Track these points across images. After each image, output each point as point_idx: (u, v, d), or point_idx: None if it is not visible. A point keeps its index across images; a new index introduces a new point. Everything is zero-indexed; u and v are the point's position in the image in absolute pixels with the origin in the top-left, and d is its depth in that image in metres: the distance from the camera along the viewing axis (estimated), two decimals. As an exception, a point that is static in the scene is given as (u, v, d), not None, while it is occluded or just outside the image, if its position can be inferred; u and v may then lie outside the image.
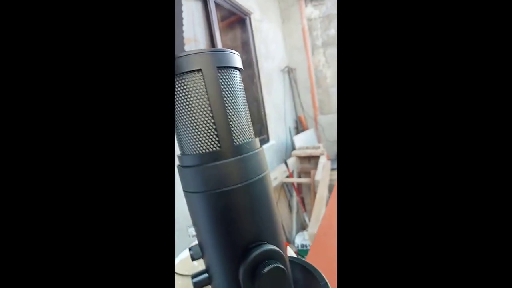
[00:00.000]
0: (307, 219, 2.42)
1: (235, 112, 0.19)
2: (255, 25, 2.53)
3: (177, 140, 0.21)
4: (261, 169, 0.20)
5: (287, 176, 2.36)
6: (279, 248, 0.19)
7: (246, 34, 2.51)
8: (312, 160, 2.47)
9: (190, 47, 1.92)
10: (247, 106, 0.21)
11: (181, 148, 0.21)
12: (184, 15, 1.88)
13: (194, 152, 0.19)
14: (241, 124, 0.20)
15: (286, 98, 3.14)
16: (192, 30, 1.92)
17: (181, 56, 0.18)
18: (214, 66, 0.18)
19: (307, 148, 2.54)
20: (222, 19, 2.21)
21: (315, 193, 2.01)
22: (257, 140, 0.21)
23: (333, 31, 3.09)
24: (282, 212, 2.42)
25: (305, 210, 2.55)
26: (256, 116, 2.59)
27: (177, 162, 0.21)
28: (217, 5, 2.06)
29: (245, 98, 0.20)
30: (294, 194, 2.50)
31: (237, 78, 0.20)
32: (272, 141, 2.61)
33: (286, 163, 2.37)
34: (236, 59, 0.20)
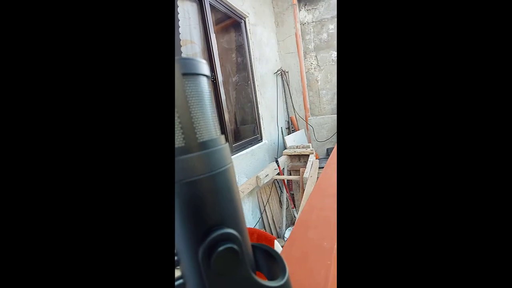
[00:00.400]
0: (296, 215, 2.54)
1: (200, 114, 0.21)
2: (250, 29, 2.63)
3: None
4: (224, 162, 0.21)
5: (278, 174, 2.47)
6: (239, 234, 0.20)
7: (241, 37, 2.60)
8: (302, 158, 2.59)
9: (187, 49, 2.00)
10: (213, 108, 0.23)
11: None
12: (180, 17, 1.94)
13: (181, 144, 0.20)
14: (206, 123, 0.22)
15: (279, 99, 3.25)
16: (188, 32, 2.00)
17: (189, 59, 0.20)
18: (180, 73, 0.20)
19: (297, 147, 2.66)
20: (218, 22, 2.29)
21: (303, 190, 2.13)
22: (222, 137, 0.23)
23: (325, 35, 3.22)
24: (273, 208, 2.52)
25: (294, 206, 2.66)
26: (250, 116, 2.69)
27: None
28: (212, 7, 2.15)
29: (210, 101, 0.23)
30: (285, 190, 2.61)
31: (202, 84, 0.22)
32: (264, 140, 2.72)
33: (277, 161, 2.49)
34: (202, 67, 0.22)
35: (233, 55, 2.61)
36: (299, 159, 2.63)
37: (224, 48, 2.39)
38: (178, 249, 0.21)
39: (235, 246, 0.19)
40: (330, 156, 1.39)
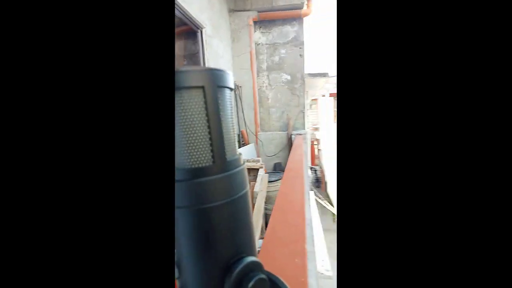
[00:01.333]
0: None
1: (227, 129, 0.20)
2: (206, 40, 2.62)
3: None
4: (244, 185, 0.20)
5: (227, 188, 2.41)
6: (255, 256, 0.19)
7: (196, 46, 2.56)
8: (252, 172, 2.63)
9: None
10: (234, 124, 0.22)
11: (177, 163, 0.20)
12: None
13: (186, 166, 0.19)
14: (230, 140, 0.20)
15: (231, 112, 3.26)
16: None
17: (183, 72, 0.19)
18: (215, 85, 0.19)
19: (247, 161, 2.69)
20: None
21: (253, 204, 2.14)
22: (241, 156, 0.21)
23: (277, 58, 3.45)
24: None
25: (242, 221, 2.63)
26: (201, 126, 2.58)
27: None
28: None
29: (233, 116, 0.21)
30: (233, 205, 2.56)
31: (230, 97, 0.21)
32: (214, 153, 2.63)
33: (227, 175, 2.43)
34: (231, 79, 0.21)
35: (184, 62, 2.52)
36: (249, 173, 2.66)
37: (176, 54, 2.28)
38: (188, 284, 0.19)
39: (263, 276, 0.18)
40: (284, 172, 1.43)
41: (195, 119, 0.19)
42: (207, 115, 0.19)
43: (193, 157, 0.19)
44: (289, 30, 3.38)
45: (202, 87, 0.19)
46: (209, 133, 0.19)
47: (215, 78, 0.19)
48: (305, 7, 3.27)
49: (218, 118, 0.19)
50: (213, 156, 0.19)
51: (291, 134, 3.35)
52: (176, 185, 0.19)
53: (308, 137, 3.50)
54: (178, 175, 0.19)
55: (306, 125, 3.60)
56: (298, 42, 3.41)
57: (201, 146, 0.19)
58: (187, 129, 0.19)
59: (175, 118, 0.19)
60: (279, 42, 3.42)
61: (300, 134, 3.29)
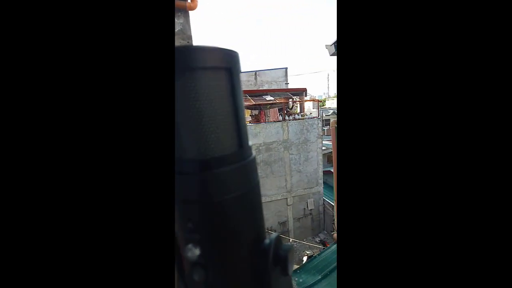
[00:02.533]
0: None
1: (244, 114, 0.20)
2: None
3: (177, 144, 0.19)
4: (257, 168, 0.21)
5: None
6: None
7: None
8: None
9: None
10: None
11: (184, 152, 0.19)
12: None
13: (211, 155, 0.18)
14: (246, 125, 0.20)
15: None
16: None
17: (207, 49, 0.18)
18: (239, 67, 0.19)
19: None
20: None
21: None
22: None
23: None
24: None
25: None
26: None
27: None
28: None
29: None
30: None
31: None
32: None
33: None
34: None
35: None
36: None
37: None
38: (221, 274, 0.20)
39: (290, 244, 0.22)
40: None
41: (222, 102, 0.19)
42: (233, 99, 0.19)
43: (220, 144, 0.19)
44: (175, 21, 3.07)
45: (230, 69, 0.19)
46: (236, 117, 0.19)
47: (237, 60, 0.19)
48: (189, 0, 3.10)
49: (242, 102, 0.20)
50: (239, 142, 0.19)
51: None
52: (195, 176, 0.19)
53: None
54: (198, 166, 0.19)
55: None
56: (185, 36, 3.15)
57: (228, 132, 0.19)
58: (212, 114, 0.18)
59: (202, 101, 0.18)
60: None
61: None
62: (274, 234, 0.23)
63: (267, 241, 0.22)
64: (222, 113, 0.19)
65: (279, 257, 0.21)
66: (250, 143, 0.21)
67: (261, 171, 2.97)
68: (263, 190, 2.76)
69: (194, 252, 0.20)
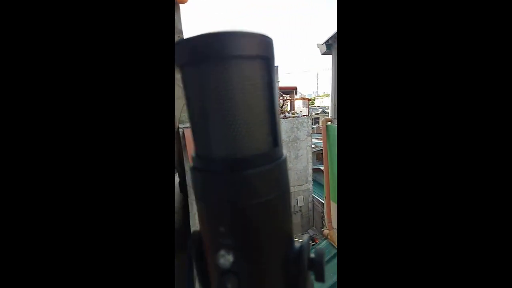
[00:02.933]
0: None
1: (278, 109, 0.19)
2: None
3: (201, 141, 0.19)
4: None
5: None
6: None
7: None
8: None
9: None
10: None
11: (210, 150, 0.18)
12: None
13: (247, 153, 0.17)
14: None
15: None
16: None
17: (241, 35, 0.16)
18: (274, 55, 0.18)
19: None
20: None
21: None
22: None
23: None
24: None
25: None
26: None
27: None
28: None
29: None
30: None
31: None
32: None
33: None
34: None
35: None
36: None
37: None
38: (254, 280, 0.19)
39: (320, 247, 0.27)
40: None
41: (257, 95, 0.17)
42: (269, 91, 0.18)
43: (256, 142, 0.18)
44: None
45: (267, 58, 0.17)
46: (271, 112, 0.18)
47: (273, 47, 0.18)
48: (180, -7, 3.00)
49: (277, 95, 0.18)
50: (274, 140, 0.18)
51: (178, 128, 2.92)
52: (227, 177, 0.17)
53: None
54: (230, 166, 0.17)
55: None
56: (177, 30, 3.07)
57: (263, 129, 0.18)
58: (246, 108, 0.17)
59: (226, 93, 0.17)
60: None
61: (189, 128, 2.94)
62: (305, 238, 0.22)
63: (298, 245, 0.22)
64: (257, 108, 0.17)
65: (314, 262, 0.20)
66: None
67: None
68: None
69: (227, 258, 0.18)
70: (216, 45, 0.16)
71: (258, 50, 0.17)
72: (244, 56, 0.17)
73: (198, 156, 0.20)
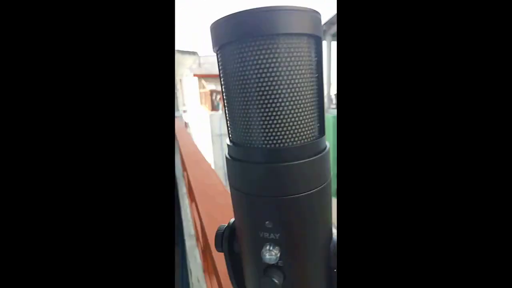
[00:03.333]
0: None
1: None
2: None
3: (240, 128, 0.18)
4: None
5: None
6: None
7: None
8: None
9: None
10: None
11: (252, 138, 0.17)
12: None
13: (294, 143, 0.16)
14: None
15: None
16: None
17: (289, 10, 0.15)
18: (321, 33, 0.17)
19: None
20: None
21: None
22: None
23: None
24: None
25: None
26: None
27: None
28: None
29: None
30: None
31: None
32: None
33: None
34: None
35: None
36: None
37: None
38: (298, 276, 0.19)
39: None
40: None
41: (306, 78, 0.16)
42: (318, 74, 0.17)
43: (302, 130, 0.17)
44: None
45: (316, 37, 0.16)
46: (318, 98, 0.17)
47: (321, 25, 0.17)
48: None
49: (322, 79, 0.17)
50: (320, 129, 0.18)
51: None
52: (270, 169, 0.17)
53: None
54: (273, 157, 0.17)
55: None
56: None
57: (311, 116, 0.17)
58: (293, 93, 0.16)
59: (272, 76, 0.15)
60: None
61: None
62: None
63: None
64: (305, 92, 0.16)
65: None
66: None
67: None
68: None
69: (273, 252, 0.18)
70: (262, 22, 0.15)
71: (308, 28, 0.16)
72: (293, 34, 0.15)
73: (235, 145, 0.19)
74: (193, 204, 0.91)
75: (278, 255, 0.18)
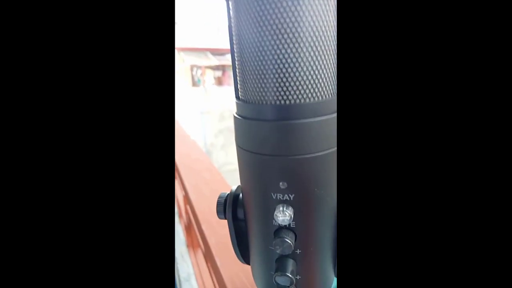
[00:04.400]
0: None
1: None
2: None
3: (250, 84, 0.16)
4: None
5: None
6: None
7: None
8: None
9: None
10: None
11: (264, 95, 0.16)
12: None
13: (314, 98, 0.15)
14: None
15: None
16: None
17: None
18: None
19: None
20: None
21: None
22: None
23: None
24: None
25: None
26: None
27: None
28: None
29: None
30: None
31: None
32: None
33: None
34: None
35: None
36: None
37: None
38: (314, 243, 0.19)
39: None
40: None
41: (328, 36, 0.15)
42: (333, 27, 0.15)
43: (318, 87, 0.15)
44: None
45: None
46: (333, 50, 0.16)
47: None
48: None
49: (334, 29, 0.15)
50: (335, 88, 0.16)
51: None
52: (283, 127, 0.16)
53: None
54: (288, 114, 0.15)
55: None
56: None
57: (328, 74, 0.16)
58: (313, 47, 0.14)
59: (292, 27, 0.14)
60: None
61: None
62: None
63: None
64: (325, 49, 0.15)
65: None
66: None
67: (225, 138, 2.92)
68: (228, 158, 2.76)
69: (286, 213, 0.17)
70: None
71: None
72: None
73: (244, 102, 0.17)
74: (177, 181, 0.89)
75: (292, 216, 0.17)
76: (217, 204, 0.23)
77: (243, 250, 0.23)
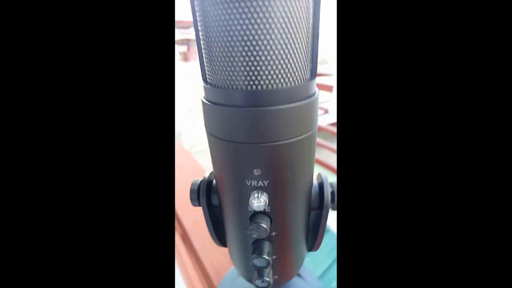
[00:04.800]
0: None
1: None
2: None
3: (218, 67, 0.15)
4: None
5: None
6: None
7: None
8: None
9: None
10: None
11: (233, 79, 0.15)
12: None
13: (284, 85, 0.15)
14: None
15: None
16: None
17: None
18: None
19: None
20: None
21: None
22: None
23: None
24: None
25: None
26: None
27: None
28: None
29: None
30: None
31: None
32: None
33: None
34: None
35: None
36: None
37: None
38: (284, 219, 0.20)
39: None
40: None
41: (302, 12, 0.14)
42: (316, 8, 0.15)
43: (292, 70, 0.15)
44: None
45: None
46: (313, 36, 0.15)
47: None
48: None
49: (319, 16, 0.15)
50: (312, 71, 0.16)
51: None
52: (255, 113, 0.15)
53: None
54: (260, 100, 0.15)
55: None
56: None
57: (303, 55, 0.15)
58: (286, 26, 0.14)
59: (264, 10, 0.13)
60: None
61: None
62: (323, 174, 0.22)
63: (317, 181, 0.22)
64: (300, 27, 0.14)
65: (334, 195, 0.21)
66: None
67: (194, 118, 2.83)
68: (199, 138, 2.70)
69: (261, 199, 0.17)
70: None
71: None
72: None
73: (213, 86, 0.16)
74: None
75: (267, 201, 0.17)
76: (190, 192, 0.22)
77: (219, 234, 0.24)
